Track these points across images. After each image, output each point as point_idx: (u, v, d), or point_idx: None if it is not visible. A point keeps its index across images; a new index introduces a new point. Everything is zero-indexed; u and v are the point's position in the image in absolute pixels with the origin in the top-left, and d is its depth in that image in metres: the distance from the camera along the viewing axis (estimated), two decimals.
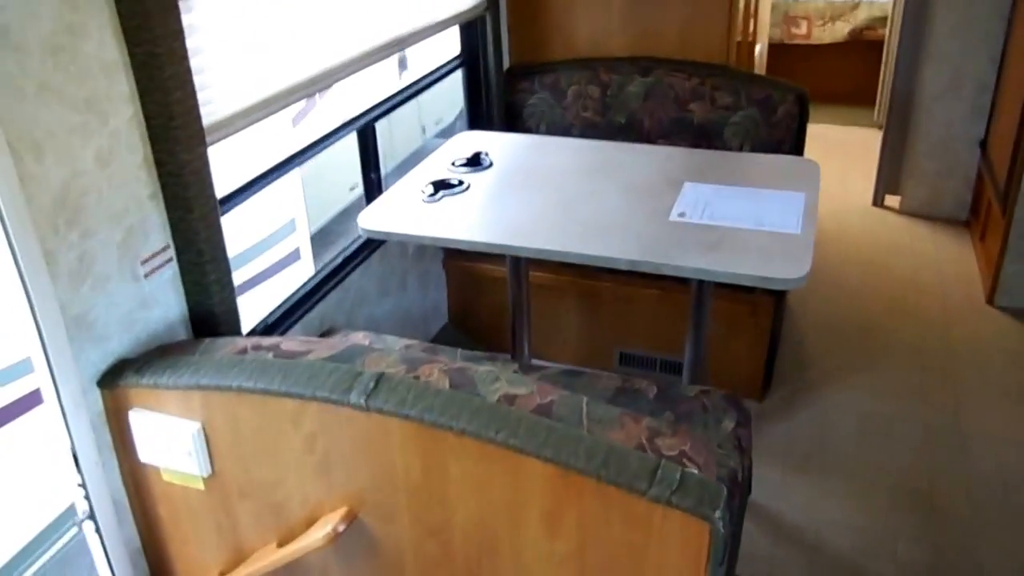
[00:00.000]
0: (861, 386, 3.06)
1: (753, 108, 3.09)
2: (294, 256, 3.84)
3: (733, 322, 2.87)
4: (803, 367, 3.18)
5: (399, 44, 2.60)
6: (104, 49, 1.51)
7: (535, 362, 2.81)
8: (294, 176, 4.01)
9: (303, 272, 3.67)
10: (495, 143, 2.74)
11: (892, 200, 4.33)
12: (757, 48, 5.20)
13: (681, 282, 2.62)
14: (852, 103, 5.60)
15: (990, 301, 3.51)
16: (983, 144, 3.95)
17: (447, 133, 4.40)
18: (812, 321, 3.43)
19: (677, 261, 2.02)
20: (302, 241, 3.88)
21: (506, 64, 3.34)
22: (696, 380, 2.45)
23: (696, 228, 2.15)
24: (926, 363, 3.17)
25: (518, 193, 2.39)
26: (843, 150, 4.94)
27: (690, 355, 2.46)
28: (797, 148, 3.10)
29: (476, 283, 3.20)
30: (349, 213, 4.13)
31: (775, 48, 5.72)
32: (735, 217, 2.20)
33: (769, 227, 2.15)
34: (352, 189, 4.15)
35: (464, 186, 2.39)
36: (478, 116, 3.27)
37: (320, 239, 4.01)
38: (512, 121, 3.34)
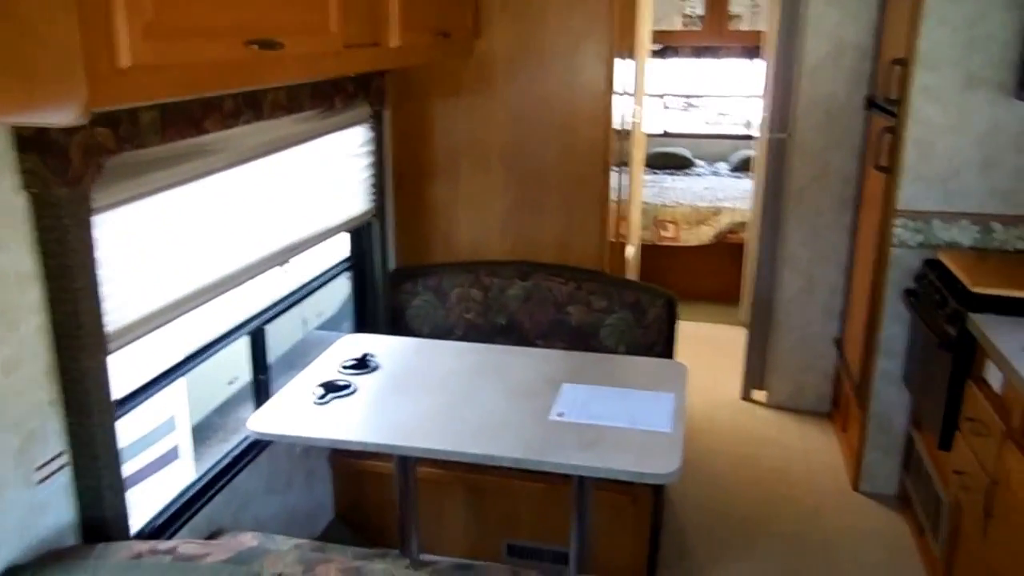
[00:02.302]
0: (741, 573, 3.18)
1: (626, 311, 3.31)
2: (172, 455, 3.77)
3: (616, 513, 2.98)
4: (685, 556, 3.29)
5: (293, 250, 2.74)
6: (20, 261, 1.60)
7: (424, 557, 2.84)
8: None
9: (183, 471, 3.61)
10: (382, 346, 2.86)
11: (759, 395, 4.60)
12: (629, 249, 5.56)
13: (565, 476, 2.72)
14: (719, 301, 6.01)
15: (855, 488, 3.74)
16: (838, 342, 4.29)
17: (329, 326, 4.48)
18: (692, 511, 3.57)
19: (557, 459, 2.15)
20: (182, 440, 3.83)
21: (392, 268, 3.51)
22: (582, 570, 2.54)
23: (574, 427, 2.29)
24: (804, 550, 3.33)
25: (405, 395, 2.50)
26: (712, 347, 5.26)
27: (575, 547, 2.56)
28: (668, 348, 3.31)
29: (363, 479, 3.24)
30: (227, 408, 4.11)
31: (647, 249, 6.12)
32: (610, 416, 2.35)
33: (642, 426, 2.30)
34: (231, 383, 4.15)
35: (352, 388, 2.48)
36: (364, 318, 3.39)
37: (197, 434, 3.96)
38: (397, 323, 3.47)
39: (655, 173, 7.30)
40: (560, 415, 2.36)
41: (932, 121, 3.24)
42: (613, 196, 3.76)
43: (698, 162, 7.65)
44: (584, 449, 2.18)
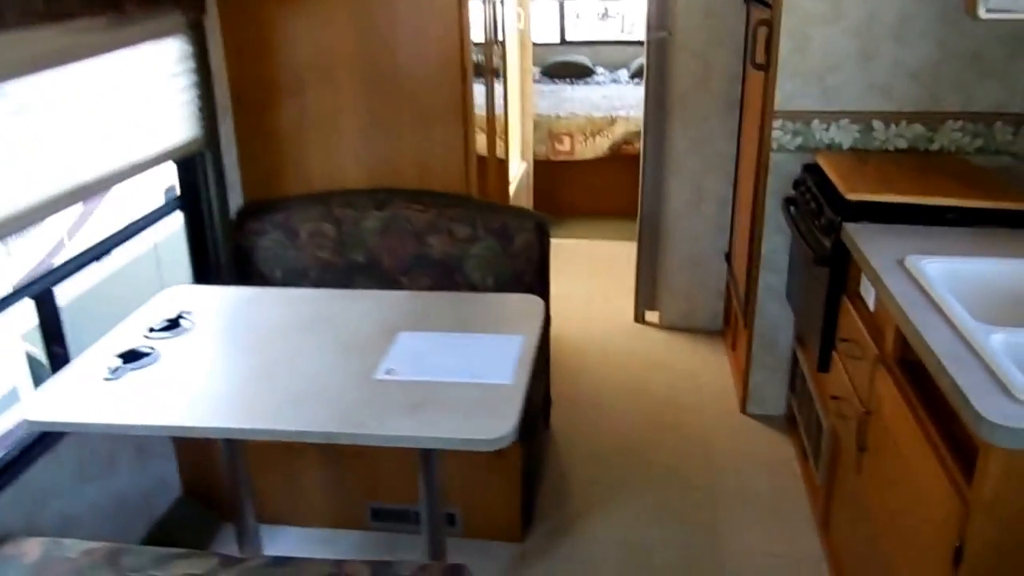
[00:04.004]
0: (623, 514, 2.97)
1: (491, 239, 3.03)
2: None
3: (485, 464, 2.74)
4: (566, 500, 3.07)
5: (99, 185, 2.40)
6: None
7: (277, 529, 2.58)
8: (14, 339, 3.66)
9: None
10: (207, 299, 2.53)
11: (652, 316, 4.37)
12: (521, 167, 5.26)
13: None
14: (617, 217, 5.71)
15: (743, 410, 3.55)
16: (728, 257, 4.06)
17: None
18: (577, 450, 3.34)
19: (374, 430, 1.86)
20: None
21: (238, 204, 3.16)
22: (438, 544, 2.28)
23: (402, 387, 2.01)
24: (687, 482, 3.13)
25: (215, 361, 2.18)
26: (608, 266, 4.97)
27: (426, 512, 2.26)
28: (541, 278, 3.05)
29: (212, 450, 2.90)
30: None
31: (542, 165, 5.82)
32: (447, 370, 2.08)
33: (481, 378, 2.04)
34: None
35: (152, 357, 2.16)
36: (205, 266, 3.05)
37: None
38: (244, 268, 3.14)
39: (554, 83, 7.01)
40: (388, 372, 2.08)
41: (807, 11, 2.94)
42: (481, 109, 3.45)
43: (599, 70, 7.37)
44: (408, 414, 1.90)
